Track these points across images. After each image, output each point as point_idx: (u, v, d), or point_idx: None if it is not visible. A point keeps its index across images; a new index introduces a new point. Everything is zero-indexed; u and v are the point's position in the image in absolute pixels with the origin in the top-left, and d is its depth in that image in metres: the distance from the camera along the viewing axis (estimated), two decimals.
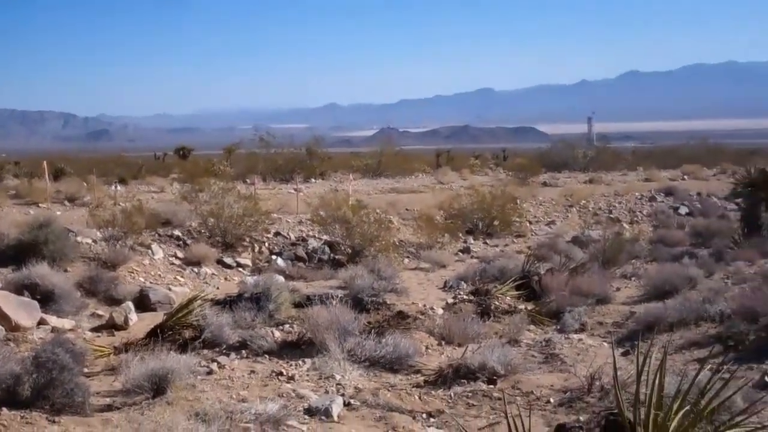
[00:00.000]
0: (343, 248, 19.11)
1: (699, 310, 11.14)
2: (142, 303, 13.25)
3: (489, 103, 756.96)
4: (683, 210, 29.38)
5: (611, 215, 28.32)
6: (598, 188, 32.61)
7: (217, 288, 15.44)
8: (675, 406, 4.62)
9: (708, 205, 30.22)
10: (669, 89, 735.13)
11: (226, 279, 16.87)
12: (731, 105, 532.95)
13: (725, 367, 7.79)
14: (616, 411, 4.66)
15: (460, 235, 23.31)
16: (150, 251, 16.99)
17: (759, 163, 27.76)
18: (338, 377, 8.99)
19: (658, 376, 4.70)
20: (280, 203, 22.50)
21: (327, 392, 8.46)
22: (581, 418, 6.84)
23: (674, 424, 4.54)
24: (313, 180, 33.79)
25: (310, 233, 20.35)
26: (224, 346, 10.28)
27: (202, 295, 11.95)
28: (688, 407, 4.65)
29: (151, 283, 15.13)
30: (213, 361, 9.61)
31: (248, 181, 29.27)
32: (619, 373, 7.11)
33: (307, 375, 9.20)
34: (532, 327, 12.16)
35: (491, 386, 8.81)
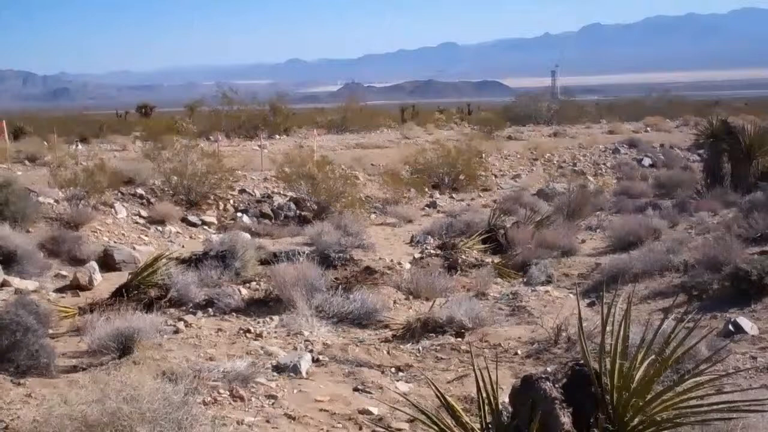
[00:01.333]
0: (309, 205, 19.04)
1: (663, 261, 11.27)
2: (107, 263, 13.05)
3: (453, 58, 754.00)
4: (647, 162, 29.64)
5: (575, 168, 28.50)
6: (562, 141, 32.72)
7: (183, 246, 15.29)
8: (640, 356, 4.66)
9: (671, 156, 30.51)
10: (631, 42, 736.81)
11: (191, 237, 16.72)
12: (692, 57, 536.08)
13: (689, 316, 7.90)
14: (582, 361, 4.68)
15: (426, 189, 23.36)
16: (113, 210, 16.76)
17: (721, 115, 28.02)
18: (306, 334, 8.99)
19: (622, 326, 4.73)
20: (244, 160, 22.30)
21: (295, 349, 8.46)
22: (548, 369, 6.89)
23: (639, 373, 4.58)
24: (277, 137, 33.47)
25: (276, 190, 20.25)
26: (191, 305, 10.21)
27: (167, 253, 11.88)
28: (652, 357, 4.69)
29: (115, 242, 14.92)
30: (180, 320, 9.53)
31: (211, 138, 28.96)
32: (585, 324, 7.18)
33: (275, 332, 9.19)
34: (498, 280, 12.25)
35: (459, 339, 8.88)
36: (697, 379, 4.76)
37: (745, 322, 8.09)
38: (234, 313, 9.94)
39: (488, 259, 13.37)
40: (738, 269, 9.38)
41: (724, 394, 5.14)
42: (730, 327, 8.04)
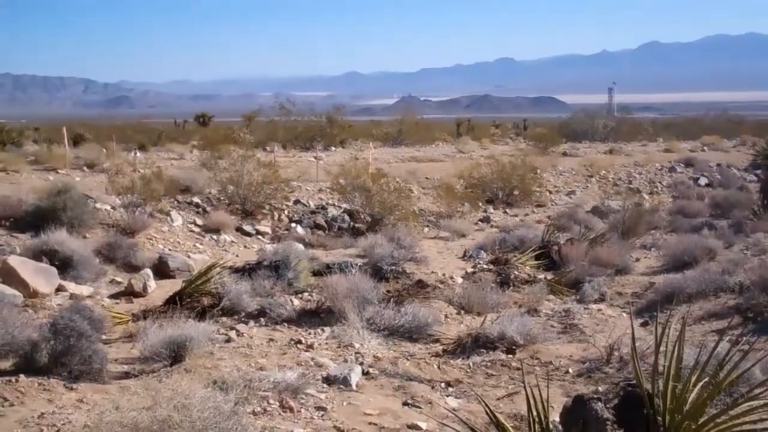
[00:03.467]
0: (362, 217, 19.13)
1: (718, 281, 11.10)
2: (161, 270, 13.26)
3: (510, 73, 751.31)
4: (703, 181, 29.22)
5: (631, 186, 28.18)
6: (618, 159, 32.41)
7: (237, 255, 15.46)
8: (693, 378, 4.60)
9: (727, 176, 30.01)
10: (690, 60, 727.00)
11: (245, 247, 16.91)
12: (752, 76, 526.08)
13: (744, 338, 7.77)
14: (634, 382, 4.64)
15: (480, 204, 23.29)
16: (169, 218, 17.02)
17: None
18: (357, 346, 9.00)
19: (676, 347, 4.68)
20: (300, 171, 22.48)
21: (346, 361, 8.46)
22: (600, 389, 6.84)
23: (692, 395, 4.53)
24: (333, 148, 33.68)
25: (330, 201, 20.38)
26: (243, 314, 10.31)
27: (221, 262, 11.98)
28: (706, 379, 4.64)
29: (170, 250, 15.15)
30: (231, 328, 9.62)
31: (268, 148, 29.27)
32: (638, 343, 7.12)
33: (326, 343, 9.21)
34: (551, 297, 12.15)
35: (510, 356, 8.81)
36: (752, 403, 4.69)
37: None
38: (285, 324, 9.99)
39: (541, 276, 13.27)
40: None
41: None
42: None
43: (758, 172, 23.84)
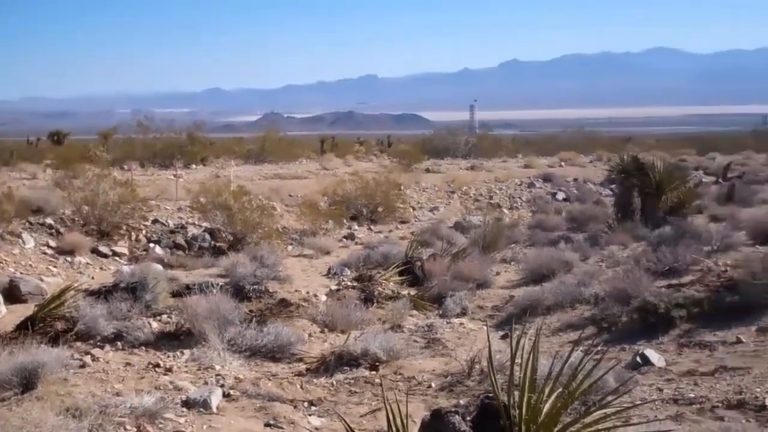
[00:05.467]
0: (224, 235, 18.79)
1: (574, 293, 11.48)
2: (12, 294, 12.63)
3: (373, 90, 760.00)
4: (560, 196, 30.20)
5: (492, 201, 28.86)
6: (479, 175, 33.12)
7: (92, 278, 14.92)
8: (547, 388, 4.69)
9: (584, 191, 31.14)
10: (548, 78, 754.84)
11: (101, 268, 16.32)
12: (606, 94, 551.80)
13: (597, 348, 8.03)
14: (492, 394, 4.69)
15: (345, 221, 23.31)
16: (20, 240, 16.28)
17: (632, 151, 28.81)
18: (218, 368, 8.82)
19: (530, 358, 4.76)
20: (158, 190, 21.94)
21: (206, 383, 8.27)
22: (461, 402, 6.90)
23: (547, 406, 4.61)
24: (193, 166, 33.06)
25: (190, 220, 19.94)
26: (99, 338, 9.90)
27: (76, 285, 11.55)
28: (560, 389, 4.73)
29: (21, 273, 14.46)
30: (87, 353, 9.23)
31: (125, 167, 28.43)
32: (498, 356, 7.25)
33: (186, 366, 8.99)
34: (414, 312, 12.23)
35: (373, 373, 8.82)
36: (605, 410, 4.82)
37: (652, 354, 8.26)
38: (143, 347, 9.67)
39: (405, 291, 13.36)
40: (646, 302, 9.61)
41: (631, 426, 5.22)
42: (638, 359, 8.19)
43: (613, 186, 24.84)
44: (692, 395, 6.90)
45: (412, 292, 13.40)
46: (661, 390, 7.22)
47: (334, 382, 8.53)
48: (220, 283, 12.20)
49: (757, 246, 13.68)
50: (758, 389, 6.81)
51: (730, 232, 14.92)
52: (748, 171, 33.87)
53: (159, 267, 14.50)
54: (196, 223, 19.75)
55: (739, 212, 19.19)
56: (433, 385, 8.28)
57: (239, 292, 11.87)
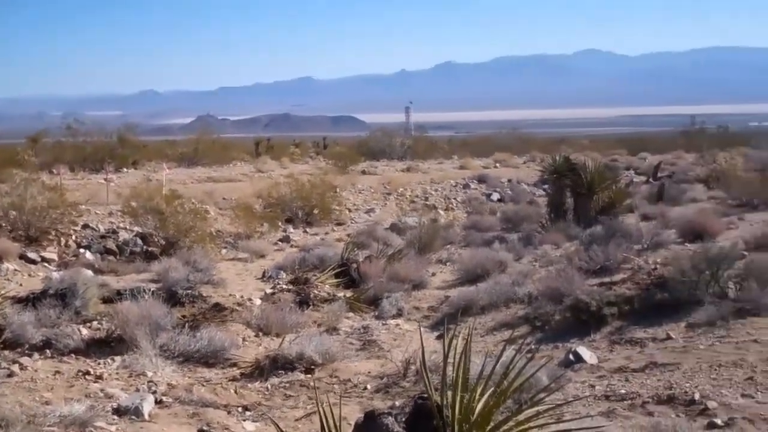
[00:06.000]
0: (156, 240, 18.47)
1: (508, 293, 11.61)
2: None
3: (309, 92, 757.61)
4: (495, 196, 30.46)
5: (427, 202, 28.96)
6: (415, 176, 33.24)
7: (21, 285, 14.50)
8: (480, 388, 4.71)
9: (518, 191, 31.47)
10: (482, 80, 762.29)
11: (30, 275, 15.88)
12: (539, 96, 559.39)
13: (529, 346, 8.10)
14: (425, 395, 4.68)
15: (280, 224, 23.16)
16: None
17: (565, 151, 29.23)
18: (150, 374, 8.68)
19: (463, 358, 4.77)
20: (89, 194, 21.49)
21: (138, 390, 8.14)
22: (396, 403, 6.89)
23: (480, 405, 4.62)
24: (125, 170, 32.47)
25: (122, 225, 19.55)
26: (27, 346, 9.65)
27: (3, 292, 11.32)
28: (492, 388, 4.75)
29: None
30: (14, 362, 9.00)
31: (54, 171, 27.81)
32: (433, 356, 7.26)
33: (117, 373, 8.84)
34: (350, 314, 12.23)
35: (309, 376, 8.78)
36: (537, 408, 4.85)
37: (584, 352, 8.37)
38: (73, 355, 9.47)
39: (340, 294, 13.34)
40: (578, 301, 9.75)
41: (563, 422, 5.27)
42: (571, 356, 8.29)
43: (546, 187, 25.15)
44: (623, 391, 7.01)
45: (348, 294, 13.39)
46: (593, 387, 7.32)
47: (269, 387, 8.47)
48: (152, 289, 12.02)
49: (686, 244, 13.99)
50: (687, 384, 6.94)
51: (660, 231, 15.27)
52: (677, 170, 34.64)
53: (89, 273, 14.19)
54: (128, 227, 19.38)
55: (669, 211, 19.66)
56: (368, 387, 8.27)
57: (172, 297, 11.73)
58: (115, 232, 19.00)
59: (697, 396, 6.53)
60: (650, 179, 31.90)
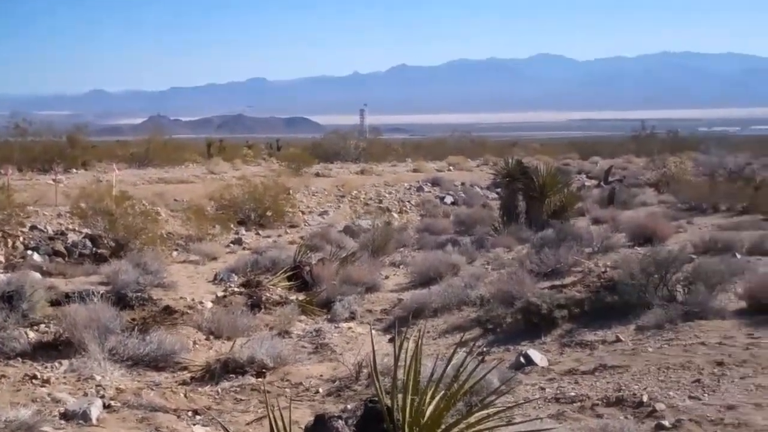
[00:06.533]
0: (106, 242, 18.19)
1: (461, 295, 11.67)
2: None
3: (262, 93, 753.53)
4: (448, 199, 30.60)
5: (381, 205, 28.98)
6: (369, 179, 33.27)
7: None
8: (430, 391, 4.71)
9: (471, 194, 31.67)
10: (436, 83, 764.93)
11: None
12: (493, 99, 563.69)
13: (479, 349, 8.14)
14: (376, 398, 4.68)
15: (232, 226, 22.97)
16: None
17: (518, 155, 29.49)
18: (98, 378, 8.56)
19: (413, 361, 4.77)
20: (37, 195, 21.13)
21: (86, 395, 8.02)
22: (348, 407, 6.88)
23: (431, 407, 4.62)
24: (74, 170, 31.97)
25: (71, 226, 19.23)
26: None
27: None
28: (443, 391, 4.76)
29: None
30: None
31: (2, 171, 27.28)
32: (386, 359, 7.26)
33: (64, 377, 8.70)
34: (303, 317, 12.22)
35: (260, 380, 8.73)
36: (488, 410, 4.87)
37: (535, 354, 8.43)
38: (20, 358, 9.34)
39: (293, 297, 13.29)
40: (529, 303, 9.82)
41: (513, 425, 5.30)
42: (522, 359, 8.35)
43: (499, 190, 25.35)
44: (573, 394, 7.07)
45: (301, 297, 13.35)
46: (543, 389, 7.37)
47: (220, 390, 8.40)
48: (102, 291, 11.86)
49: (636, 247, 14.18)
50: (636, 386, 7.02)
51: (610, 234, 15.46)
52: (628, 175, 35.21)
53: (37, 275, 13.99)
54: (77, 229, 19.06)
55: (620, 215, 19.93)
56: (320, 390, 8.24)
57: (121, 300, 11.61)
58: (63, 233, 18.68)
59: (645, 398, 6.61)
60: (601, 183, 32.35)
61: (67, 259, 17.31)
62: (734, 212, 19.22)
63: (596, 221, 19.69)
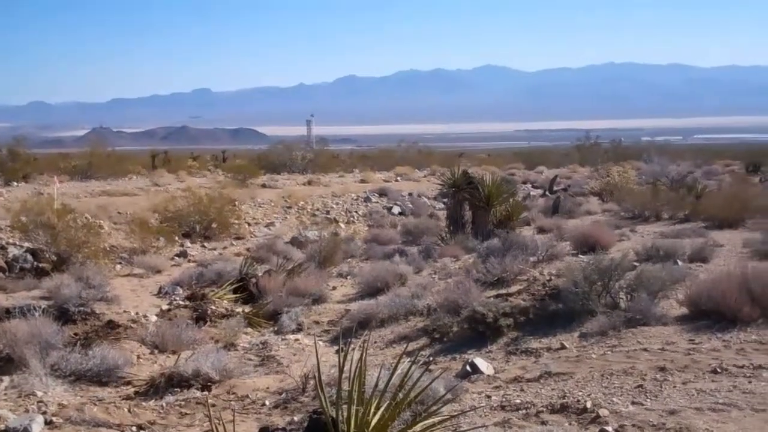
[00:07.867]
0: (47, 255, 17.89)
1: (408, 305, 11.69)
2: None
3: (207, 104, 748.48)
4: (396, 210, 30.69)
5: (328, 216, 28.94)
6: (316, 189, 33.19)
7: None
8: (375, 401, 4.72)
9: (419, 204, 31.80)
10: (384, 94, 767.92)
11: None
12: (441, 110, 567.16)
13: (424, 358, 8.16)
14: (321, 410, 4.67)
15: (177, 238, 22.72)
16: None
17: (464, 165, 29.69)
18: (40, 394, 8.39)
19: (358, 371, 4.77)
20: None
21: (27, 411, 7.85)
22: (295, 419, 6.85)
23: (376, 418, 4.63)
24: (15, 183, 31.42)
25: (11, 240, 18.87)
26: None
27: None
28: (389, 400, 4.76)
29: None
30: None
31: None
32: (332, 370, 7.25)
33: (5, 394, 8.52)
34: (249, 330, 12.14)
35: (206, 393, 8.63)
36: (433, 419, 4.88)
37: (481, 363, 8.47)
38: None
39: (239, 309, 13.21)
40: (475, 312, 9.87)
41: None
42: (468, 368, 8.38)
43: (446, 200, 25.49)
44: (518, 401, 7.11)
45: (247, 309, 13.27)
46: (489, 397, 7.41)
47: (164, 405, 8.28)
48: (43, 306, 11.68)
49: (580, 255, 14.34)
50: (580, 393, 7.09)
51: (555, 243, 15.61)
52: (573, 184, 35.65)
53: None
54: (17, 243, 18.71)
55: (564, 223, 20.15)
56: (267, 402, 8.18)
57: (63, 315, 11.42)
58: (3, 247, 18.32)
59: (589, 404, 6.67)
60: (546, 192, 32.71)
61: (7, 273, 16.99)
62: (676, 220, 19.53)
63: (541, 230, 19.87)
